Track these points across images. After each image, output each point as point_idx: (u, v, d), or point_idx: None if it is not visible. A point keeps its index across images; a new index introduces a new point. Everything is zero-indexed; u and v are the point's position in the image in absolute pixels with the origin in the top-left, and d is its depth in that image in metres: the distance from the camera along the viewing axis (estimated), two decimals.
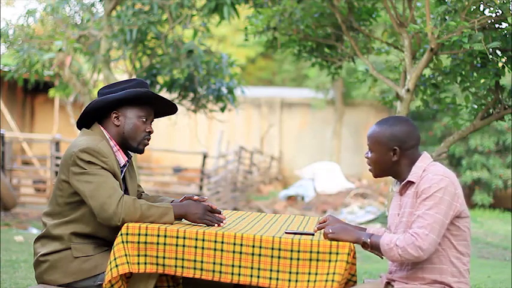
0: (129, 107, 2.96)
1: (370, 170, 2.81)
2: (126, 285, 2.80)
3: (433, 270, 2.61)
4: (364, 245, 2.66)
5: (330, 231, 2.65)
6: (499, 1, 4.12)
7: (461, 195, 2.62)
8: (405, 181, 2.71)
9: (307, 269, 2.62)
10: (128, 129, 2.96)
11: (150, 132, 3.02)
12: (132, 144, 2.98)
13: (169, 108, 3.12)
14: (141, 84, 3.00)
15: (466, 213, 2.63)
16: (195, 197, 2.99)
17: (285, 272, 2.63)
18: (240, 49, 22.11)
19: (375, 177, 2.82)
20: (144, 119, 2.98)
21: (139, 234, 2.73)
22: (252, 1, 6.94)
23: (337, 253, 2.61)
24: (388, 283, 2.74)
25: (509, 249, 9.75)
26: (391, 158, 2.71)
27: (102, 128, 2.97)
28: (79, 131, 3.05)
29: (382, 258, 2.83)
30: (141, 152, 3.02)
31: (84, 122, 3.02)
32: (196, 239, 2.69)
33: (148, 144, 3.04)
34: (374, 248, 2.64)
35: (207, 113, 9.07)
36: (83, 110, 3.00)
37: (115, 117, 2.96)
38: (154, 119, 3.10)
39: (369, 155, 2.77)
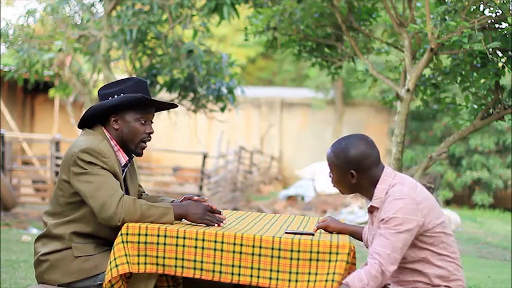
0: (127, 111, 2.95)
1: (334, 187, 2.79)
2: (126, 285, 2.79)
3: (422, 275, 2.62)
4: None
5: None
6: (499, 1, 4.12)
7: (428, 206, 2.59)
8: (369, 205, 2.71)
9: (307, 269, 2.62)
10: (126, 132, 2.96)
11: (150, 133, 3.01)
12: (130, 146, 2.98)
13: (169, 104, 3.12)
14: (138, 84, 2.99)
15: (434, 222, 2.59)
16: (195, 197, 2.99)
17: (285, 272, 2.63)
18: (240, 49, 22.12)
19: (343, 194, 2.82)
20: (143, 121, 2.98)
21: (139, 234, 2.73)
22: (252, 1, 6.95)
23: (337, 253, 2.60)
24: (384, 287, 2.74)
25: (509, 249, 9.75)
26: (351, 181, 2.69)
27: (103, 128, 2.98)
28: (79, 131, 3.05)
29: None
30: (139, 155, 3.02)
31: (85, 124, 3.02)
32: (196, 239, 2.69)
33: (146, 146, 3.03)
34: None
35: (207, 113, 9.07)
36: (82, 115, 3.00)
37: (114, 120, 2.96)
38: (158, 116, 3.08)
39: (331, 175, 2.76)
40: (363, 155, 2.66)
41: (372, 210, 2.73)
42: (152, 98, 2.98)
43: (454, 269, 2.63)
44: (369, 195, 2.72)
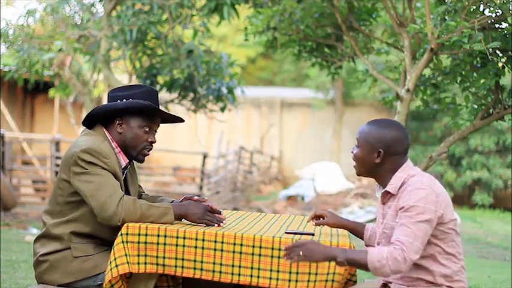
0: (133, 116, 2.96)
1: (354, 166, 2.79)
2: (126, 285, 2.80)
3: (427, 273, 2.62)
4: (339, 264, 2.54)
5: (301, 254, 2.51)
6: (499, 1, 4.12)
7: (445, 201, 2.60)
8: (384, 191, 2.70)
9: (307, 269, 2.62)
10: (129, 138, 2.97)
11: (152, 142, 3.02)
12: (132, 153, 2.99)
13: (175, 117, 3.13)
14: (148, 92, 2.99)
15: (450, 217, 2.61)
16: (195, 197, 2.99)
17: (285, 272, 2.63)
18: (240, 49, 22.11)
19: (358, 175, 2.79)
20: (147, 129, 2.98)
21: (139, 234, 2.73)
22: (252, 1, 6.95)
23: None
24: (384, 285, 2.74)
25: (509, 249, 9.75)
26: (374, 160, 2.68)
27: (104, 129, 2.98)
28: (79, 131, 3.06)
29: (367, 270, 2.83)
30: (141, 161, 3.03)
31: (89, 122, 3.03)
32: (196, 239, 2.69)
33: (148, 154, 3.04)
34: (352, 264, 2.53)
35: (207, 113, 9.07)
36: (88, 112, 3.00)
37: (118, 124, 2.97)
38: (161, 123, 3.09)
39: (355, 150, 2.76)
40: (396, 139, 2.67)
41: (384, 201, 2.73)
42: (160, 109, 2.99)
43: (458, 270, 2.64)
44: (384, 183, 2.71)
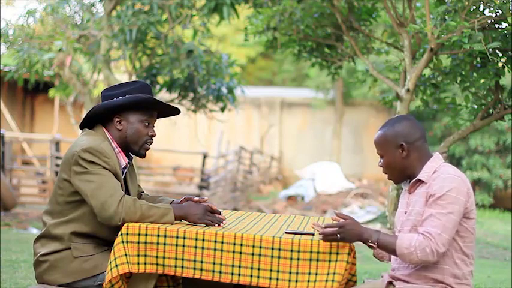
0: (131, 112, 2.96)
1: (388, 178, 2.80)
2: (126, 285, 2.80)
3: (436, 270, 2.62)
4: (370, 247, 2.63)
5: (338, 237, 2.56)
6: (499, 1, 4.12)
7: (472, 195, 2.64)
8: (415, 179, 2.70)
9: (307, 269, 2.62)
10: (130, 133, 2.97)
11: (153, 136, 3.02)
12: (134, 148, 2.99)
13: (172, 110, 3.13)
14: (143, 87, 3.00)
15: (474, 214, 2.64)
16: (195, 198, 2.99)
17: (285, 272, 2.63)
18: (240, 49, 22.10)
19: (396, 183, 2.81)
20: (147, 123, 2.99)
21: (139, 234, 2.73)
22: (252, 1, 6.95)
23: (337, 253, 2.60)
24: (390, 282, 2.73)
25: (509, 249, 9.75)
26: (401, 155, 2.71)
27: (104, 129, 2.98)
28: (79, 131, 3.06)
29: (384, 261, 2.82)
30: (143, 156, 3.03)
31: (87, 124, 3.03)
32: (196, 239, 2.69)
33: (149, 148, 3.04)
34: (383, 248, 2.60)
35: (207, 113, 9.08)
36: (85, 114, 3.00)
37: (117, 121, 2.96)
38: (158, 119, 3.11)
39: (381, 161, 2.78)
40: (409, 127, 2.72)
41: (411, 190, 2.73)
42: (160, 100, 3.00)
43: (467, 273, 2.66)
44: (414, 175, 2.72)
